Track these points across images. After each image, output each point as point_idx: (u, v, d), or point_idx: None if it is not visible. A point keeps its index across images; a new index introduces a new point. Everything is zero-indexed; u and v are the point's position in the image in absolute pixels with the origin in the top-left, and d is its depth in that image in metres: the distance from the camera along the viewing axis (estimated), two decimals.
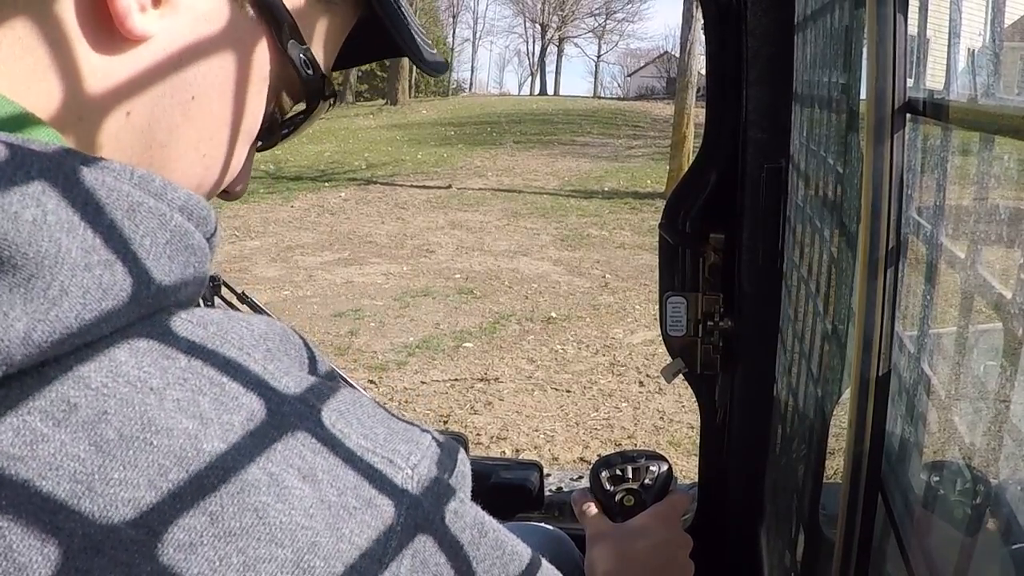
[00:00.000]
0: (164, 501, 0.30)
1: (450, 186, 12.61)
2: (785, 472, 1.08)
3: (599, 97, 40.73)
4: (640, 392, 5.08)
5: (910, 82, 0.69)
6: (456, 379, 5.28)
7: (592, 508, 0.90)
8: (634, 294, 7.21)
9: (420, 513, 0.35)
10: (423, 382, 5.19)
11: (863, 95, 0.71)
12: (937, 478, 0.71)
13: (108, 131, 0.38)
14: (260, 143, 0.50)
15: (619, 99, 35.30)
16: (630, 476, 0.91)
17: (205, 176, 0.44)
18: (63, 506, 0.29)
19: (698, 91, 12.48)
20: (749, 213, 1.22)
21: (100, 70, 0.37)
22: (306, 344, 0.42)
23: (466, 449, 1.48)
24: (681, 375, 1.36)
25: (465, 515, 0.38)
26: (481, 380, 5.26)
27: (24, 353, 0.29)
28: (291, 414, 0.34)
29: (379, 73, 34.47)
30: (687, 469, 3.92)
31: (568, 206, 11.24)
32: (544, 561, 0.44)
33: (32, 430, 0.29)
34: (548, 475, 1.59)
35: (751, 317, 1.26)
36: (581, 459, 4.20)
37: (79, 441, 0.30)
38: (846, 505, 0.73)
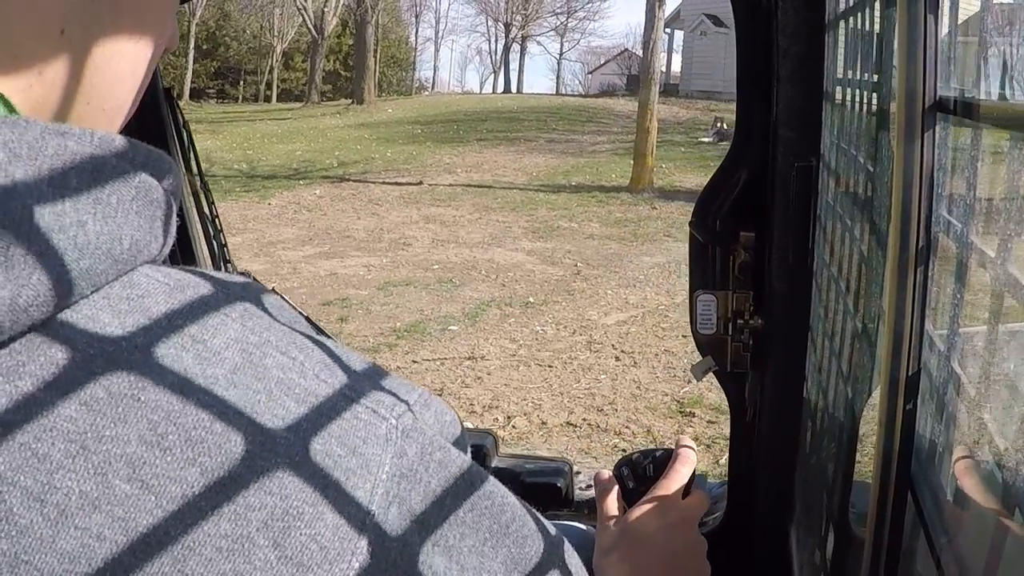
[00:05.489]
0: (155, 455, 0.31)
1: (421, 182, 12.76)
2: (815, 470, 1.08)
3: (562, 94, 40.13)
4: (617, 365, 5.35)
5: (941, 81, 0.69)
6: (445, 358, 5.56)
7: (612, 499, 0.89)
8: (605, 281, 7.47)
9: (405, 463, 0.35)
10: (414, 361, 5.48)
11: (894, 94, 0.70)
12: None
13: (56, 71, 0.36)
14: None
15: (582, 96, 34.39)
16: (652, 474, 0.91)
17: (140, 83, 0.41)
18: (60, 466, 0.30)
19: (660, 87, 12.79)
20: (779, 211, 1.22)
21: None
22: (288, 304, 0.41)
23: (496, 447, 1.49)
24: (712, 373, 1.36)
25: (451, 465, 0.37)
26: (469, 359, 5.55)
27: (11, 319, 0.30)
28: (274, 366, 0.35)
29: (343, 73, 34.15)
30: (666, 433, 4.28)
31: (537, 200, 11.45)
32: (550, 525, 0.42)
33: (24, 395, 0.30)
34: (578, 473, 1.60)
35: (781, 315, 1.26)
36: (568, 423, 4.51)
37: (70, 402, 0.31)
38: (876, 503, 0.73)
